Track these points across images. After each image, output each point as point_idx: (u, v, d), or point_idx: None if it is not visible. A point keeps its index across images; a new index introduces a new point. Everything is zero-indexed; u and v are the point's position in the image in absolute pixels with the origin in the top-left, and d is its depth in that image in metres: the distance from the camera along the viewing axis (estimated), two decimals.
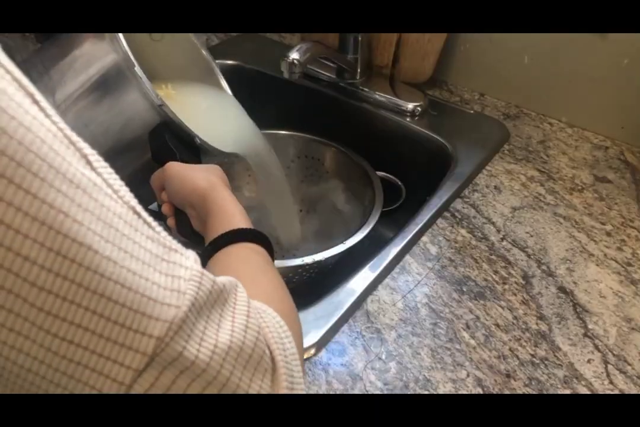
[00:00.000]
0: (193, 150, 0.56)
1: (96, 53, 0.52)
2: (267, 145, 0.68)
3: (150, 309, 0.23)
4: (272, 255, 0.43)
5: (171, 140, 0.53)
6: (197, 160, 0.56)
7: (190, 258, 0.27)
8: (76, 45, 0.52)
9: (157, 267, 0.24)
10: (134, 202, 0.25)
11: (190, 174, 0.49)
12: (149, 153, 0.54)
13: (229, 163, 0.62)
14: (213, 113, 0.66)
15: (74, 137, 0.23)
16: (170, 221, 0.53)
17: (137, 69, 0.51)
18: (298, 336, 0.34)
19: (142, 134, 0.54)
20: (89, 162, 0.23)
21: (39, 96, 0.21)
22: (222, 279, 0.29)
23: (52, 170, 0.20)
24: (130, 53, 0.50)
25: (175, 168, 0.51)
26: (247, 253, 0.41)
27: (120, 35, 0.50)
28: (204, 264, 0.40)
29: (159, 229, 0.26)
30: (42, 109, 0.21)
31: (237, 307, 0.29)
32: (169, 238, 0.26)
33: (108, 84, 0.52)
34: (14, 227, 0.20)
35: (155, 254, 0.24)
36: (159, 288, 0.24)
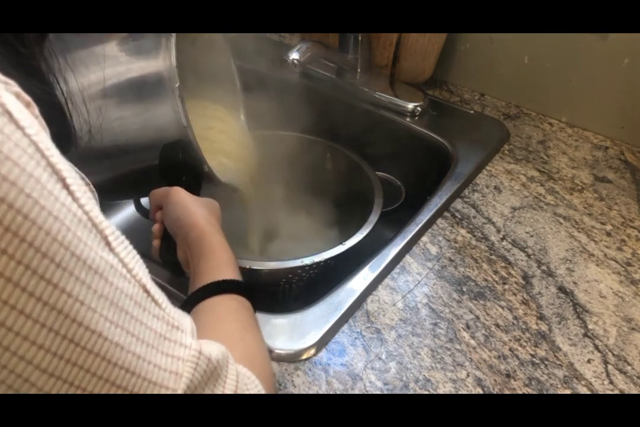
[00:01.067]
0: (198, 174, 0.56)
1: (145, 52, 0.51)
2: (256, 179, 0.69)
3: (149, 392, 0.25)
4: (255, 307, 0.45)
5: (182, 160, 0.53)
6: (199, 185, 0.56)
7: (187, 333, 0.29)
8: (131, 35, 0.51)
9: (160, 348, 0.26)
10: (145, 278, 0.27)
11: (194, 208, 0.49)
12: (156, 160, 0.54)
13: (224, 192, 0.63)
14: (224, 138, 0.66)
15: (98, 218, 0.24)
16: (156, 242, 0.53)
17: (178, 87, 0.50)
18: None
19: (157, 143, 0.53)
20: (108, 243, 0.24)
21: (70, 180, 0.23)
22: (216, 354, 0.30)
23: (74, 258, 0.22)
24: (176, 69, 0.50)
25: (181, 196, 0.50)
26: (237, 307, 0.42)
27: (173, 46, 0.50)
28: (193, 305, 0.42)
29: (165, 304, 0.28)
30: (70, 193, 0.23)
31: (227, 382, 0.31)
32: (172, 314, 0.28)
33: (145, 87, 0.51)
34: (33, 316, 0.21)
35: (160, 333, 0.27)
36: (159, 370, 0.26)
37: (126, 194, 0.66)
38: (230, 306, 0.42)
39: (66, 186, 0.22)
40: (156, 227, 0.53)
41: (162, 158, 0.53)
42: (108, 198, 0.58)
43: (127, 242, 0.26)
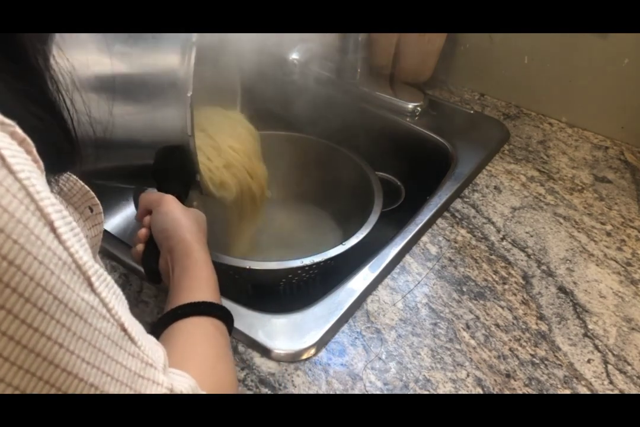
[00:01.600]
0: (188, 182, 0.56)
1: (163, 53, 0.51)
2: None
3: None
4: (231, 332, 0.45)
5: (176, 165, 0.53)
6: (186, 192, 0.56)
7: (159, 369, 0.29)
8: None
9: (133, 386, 0.27)
10: (124, 316, 0.27)
11: (183, 221, 0.49)
12: (151, 160, 0.54)
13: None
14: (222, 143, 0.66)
15: (83, 259, 0.24)
16: (140, 247, 0.52)
17: (190, 95, 0.50)
18: None
19: (155, 143, 0.53)
20: (90, 284, 0.25)
21: (58, 222, 0.23)
22: (186, 390, 0.31)
23: (56, 301, 0.22)
24: (191, 78, 0.50)
25: (172, 206, 0.50)
26: (213, 333, 0.43)
27: (193, 54, 0.50)
28: (170, 322, 0.42)
29: (140, 341, 0.29)
30: (57, 236, 0.23)
31: None
32: (147, 350, 0.29)
33: (156, 87, 0.51)
34: (11, 359, 0.21)
35: (134, 372, 0.27)
36: None
37: (116, 182, 0.66)
38: (207, 331, 0.42)
39: (53, 229, 0.23)
40: (142, 232, 0.52)
41: (158, 160, 0.53)
42: (97, 180, 0.58)
43: (109, 279, 0.27)
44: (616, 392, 0.50)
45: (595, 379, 0.51)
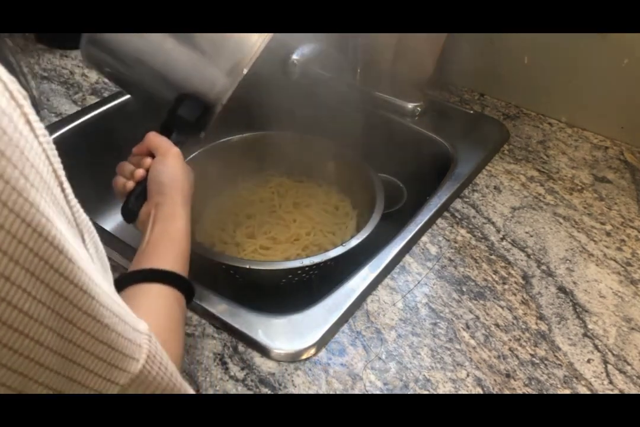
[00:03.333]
0: (191, 131, 0.57)
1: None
2: None
3: (123, 364, 0.29)
4: (189, 303, 0.47)
5: (193, 116, 0.54)
6: (186, 139, 0.57)
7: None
8: None
9: (131, 324, 0.30)
10: (108, 269, 0.31)
11: (180, 181, 0.51)
12: (170, 98, 0.55)
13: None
14: None
15: (81, 217, 0.27)
16: (130, 185, 0.53)
17: (245, 72, 0.52)
18: None
19: (182, 88, 0.54)
20: (84, 240, 0.28)
21: (65, 184, 0.25)
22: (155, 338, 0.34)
23: (72, 247, 0.24)
24: (255, 58, 0.51)
25: (176, 161, 0.52)
26: (172, 304, 0.44)
27: (267, 39, 0.51)
28: (136, 281, 0.44)
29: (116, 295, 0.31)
30: (65, 196, 0.26)
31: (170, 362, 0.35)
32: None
33: (211, 46, 0.52)
34: (47, 304, 0.23)
35: (127, 311, 0.30)
36: (131, 344, 0.30)
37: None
38: (168, 301, 0.44)
39: (63, 190, 0.25)
40: (140, 173, 0.52)
41: (177, 107, 0.54)
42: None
43: (94, 235, 0.29)
44: (616, 392, 0.50)
45: (595, 379, 0.51)
